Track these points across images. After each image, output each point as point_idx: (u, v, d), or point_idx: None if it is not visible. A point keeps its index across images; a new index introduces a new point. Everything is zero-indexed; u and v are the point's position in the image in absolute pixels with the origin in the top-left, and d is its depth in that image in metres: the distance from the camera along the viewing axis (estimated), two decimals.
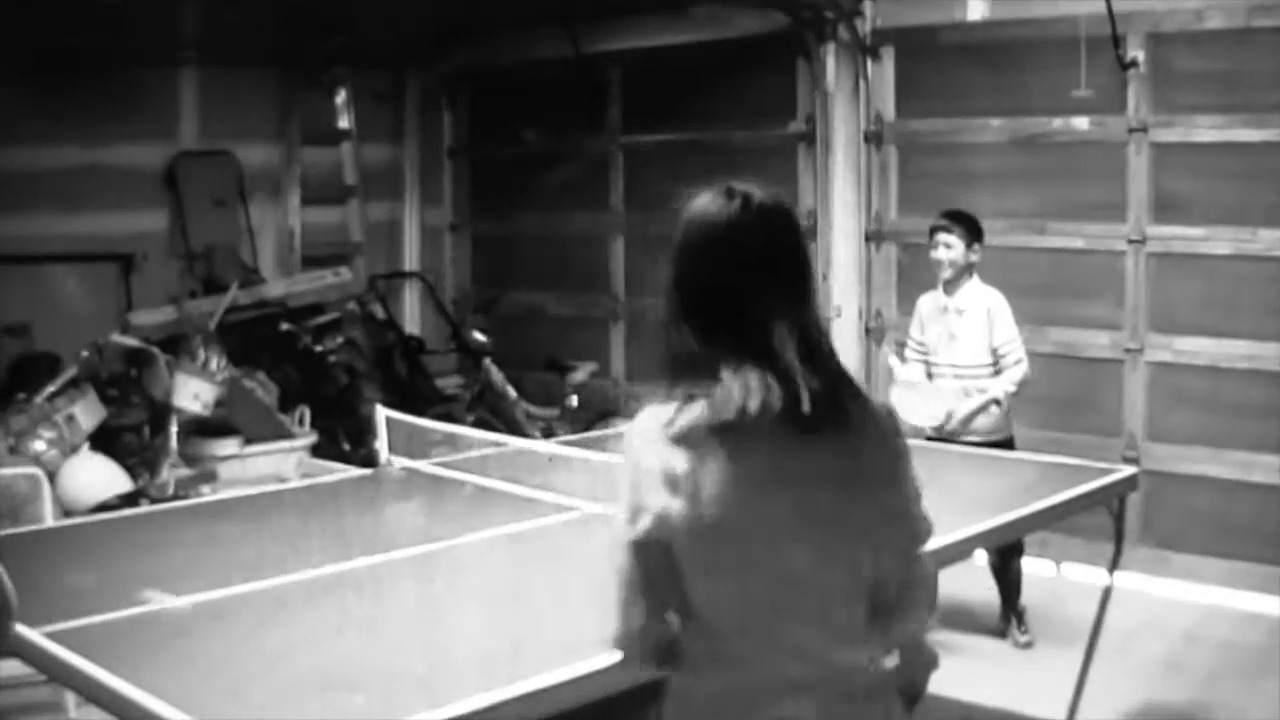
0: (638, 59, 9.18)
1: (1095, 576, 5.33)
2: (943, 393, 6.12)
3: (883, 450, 2.31)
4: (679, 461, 2.17)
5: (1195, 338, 7.00)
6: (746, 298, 2.24)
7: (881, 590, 2.30)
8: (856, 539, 2.26)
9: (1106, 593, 4.94)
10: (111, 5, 5.95)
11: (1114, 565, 4.92)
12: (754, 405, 2.14)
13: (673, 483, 2.18)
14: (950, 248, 6.15)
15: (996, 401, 6.04)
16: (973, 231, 6.21)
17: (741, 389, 2.15)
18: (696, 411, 2.17)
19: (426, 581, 3.65)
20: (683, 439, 2.17)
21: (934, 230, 6.25)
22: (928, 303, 6.39)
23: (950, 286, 6.22)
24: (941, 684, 4.88)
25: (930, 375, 6.28)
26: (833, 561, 2.24)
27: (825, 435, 2.19)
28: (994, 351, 6.09)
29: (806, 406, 2.16)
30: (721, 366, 2.19)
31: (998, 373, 6.09)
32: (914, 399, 6.08)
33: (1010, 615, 6.27)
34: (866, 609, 2.28)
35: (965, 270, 6.18)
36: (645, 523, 2.21)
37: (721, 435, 2.16)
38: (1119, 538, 4.88)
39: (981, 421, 6.01)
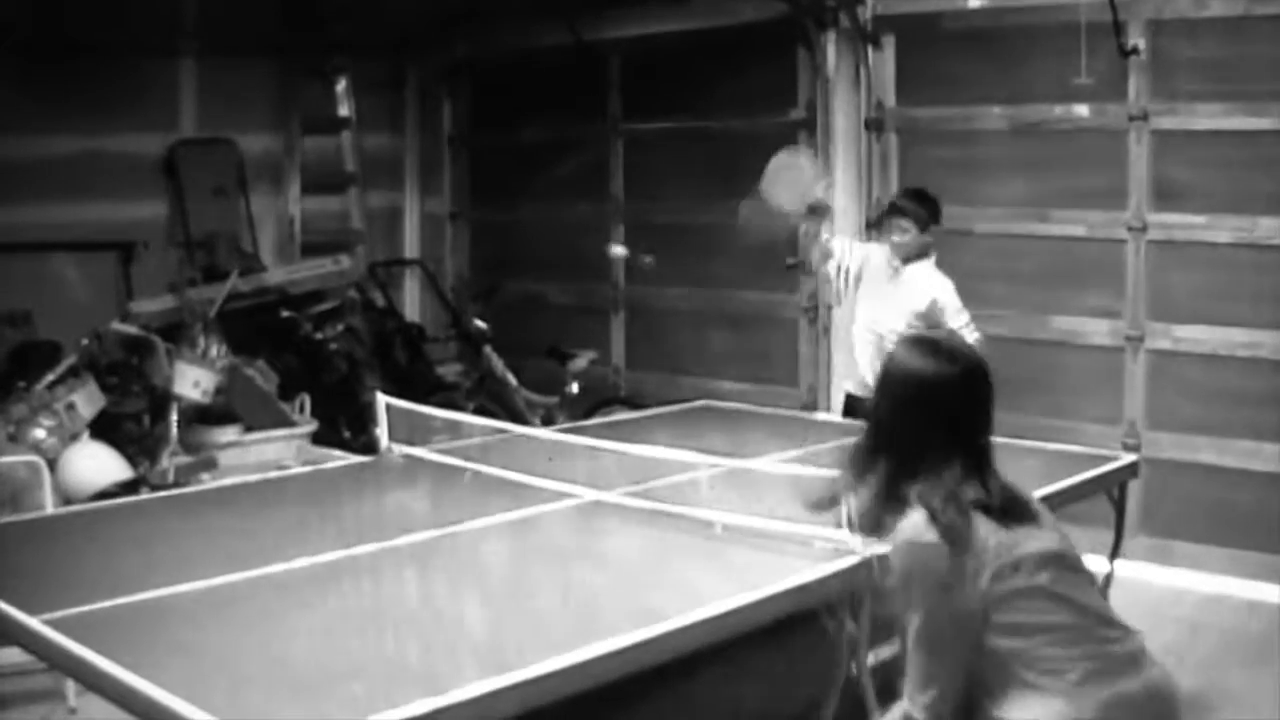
0: (638, 47, 9.16)
1: (1096, 564, 5.33)
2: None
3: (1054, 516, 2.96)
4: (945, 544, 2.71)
5: (1196, 326, 6.99)
6: (950, 434, 2.83)
7: None
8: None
9: (1107, 580, 4.93)
10: None
11: (1114, 553, 4.92)
12: (984, 503, 2.77)
13: (967, 564, 2.70)
14: (905, 232, 6.19)
15: None
16: (931, 213, 6.26)
17: (963, 498, 2.75)
18: (949, 515, 2.73)
19: (426, 569, 3.66)
20: (955, 534, 2.71)
21: (887, 213, 6.36)
22: (878, 252, 6.38)
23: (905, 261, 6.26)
24: None
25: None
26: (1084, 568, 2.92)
27: (1030, 515, 2.85)
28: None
29: (1010, 504, 2.82)
30: (938, 482, 2.77)
31: None
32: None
33: None
34: None
35: (919, 251, 6.21)
36: (959, 598, 2.69)
37: (975, 526, 2.73)
38: (1119, 525, 4.89)
39: None
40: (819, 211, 6.31)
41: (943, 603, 2.70)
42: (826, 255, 6.40)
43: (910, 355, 2.93)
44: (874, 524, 2.91)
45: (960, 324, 6.05)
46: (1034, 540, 2.78)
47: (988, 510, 2.76)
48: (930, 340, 2.95)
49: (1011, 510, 2.81)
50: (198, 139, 9.24)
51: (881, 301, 6.25)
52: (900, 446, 2.86)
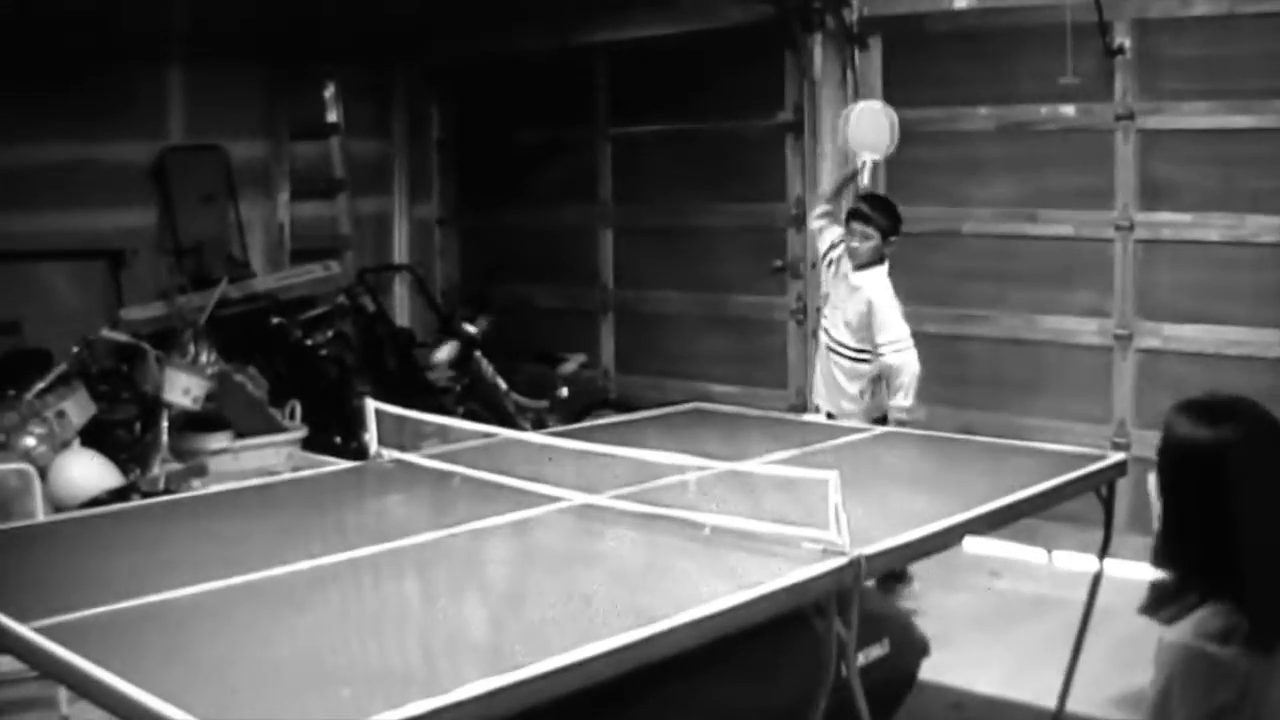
0: (625, 51, 9.18)
1: (1085, 564, 5.34)
2: (843, 386, 6.34)
3: None
4: (1233, 655, 2.40)
5: (1184, 324, 7.02)
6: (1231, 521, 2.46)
7: None
8: None
9: (1096, 579, 4.95)
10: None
11: (1104, 552, 4.93)
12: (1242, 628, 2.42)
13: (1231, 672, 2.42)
14: (867, 238, 6.25)
15: (901, 422, 6.08)
16: (893, 224, 6.33)
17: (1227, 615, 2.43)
18: (1219, 622, 2.42)
19: (418, 572, 3.66)
20: (1226, 640, 2.41)
21: (850, 217, 6.39)
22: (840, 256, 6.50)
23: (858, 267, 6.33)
24: (934, 672, 4.91)
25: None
26: None
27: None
28: (876, 348, 6.22)
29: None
30: (1214, 583, 2.46)
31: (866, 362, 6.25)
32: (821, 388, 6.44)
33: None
34: None
35: (874, 259, 6.28)
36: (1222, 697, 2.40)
37: (1238, 639, 2.42)
38: (1108, 524, 4.89)
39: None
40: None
41: (1209, 692, 2.40)
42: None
43: (1183, 419, 2.54)
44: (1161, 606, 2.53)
45: (885, 340, 6.12)
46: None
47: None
48: (1202, 402, 2.57)
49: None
50: (186, 146, 9.24)
51: (833, 311, 6.38)
52: (1187, 532, 2.51)
